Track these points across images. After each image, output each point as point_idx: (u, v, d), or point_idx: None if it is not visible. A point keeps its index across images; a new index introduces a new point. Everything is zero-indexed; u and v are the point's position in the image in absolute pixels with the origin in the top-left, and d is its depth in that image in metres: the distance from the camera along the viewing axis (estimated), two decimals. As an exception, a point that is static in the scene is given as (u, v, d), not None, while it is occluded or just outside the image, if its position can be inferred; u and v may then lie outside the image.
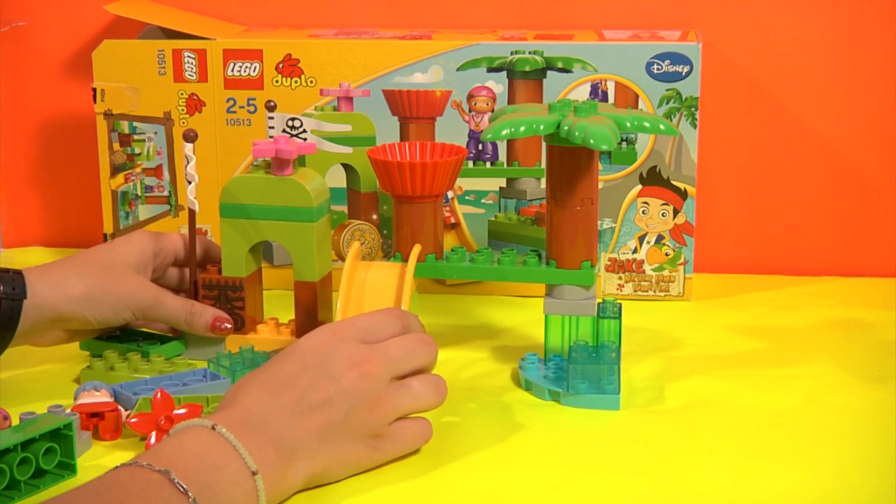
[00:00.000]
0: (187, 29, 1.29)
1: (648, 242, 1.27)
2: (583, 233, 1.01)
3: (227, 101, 1.27)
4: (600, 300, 1.04)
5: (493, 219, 1.28)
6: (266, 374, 0.84)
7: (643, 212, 1.26)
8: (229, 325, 1.07)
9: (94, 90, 1.27)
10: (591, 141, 0.95)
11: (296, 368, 0.83)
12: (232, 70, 1.26)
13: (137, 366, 1.05)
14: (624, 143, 1.24)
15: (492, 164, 1.27)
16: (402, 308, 1.00)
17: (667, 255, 1.27)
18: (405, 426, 0.87)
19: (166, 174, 1.30)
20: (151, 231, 1.11)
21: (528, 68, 1.24)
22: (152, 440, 0.90)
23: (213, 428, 0.78)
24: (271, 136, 1.13)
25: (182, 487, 0.73)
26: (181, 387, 0.99)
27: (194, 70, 1.27)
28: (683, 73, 1.22)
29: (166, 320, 1.07)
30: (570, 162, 1.00)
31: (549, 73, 1.24)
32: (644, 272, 1.27)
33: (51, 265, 1.03)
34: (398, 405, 0.86)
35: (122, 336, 1.12)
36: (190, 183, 1.07)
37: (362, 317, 0.89)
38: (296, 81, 1.26)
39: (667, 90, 1.23)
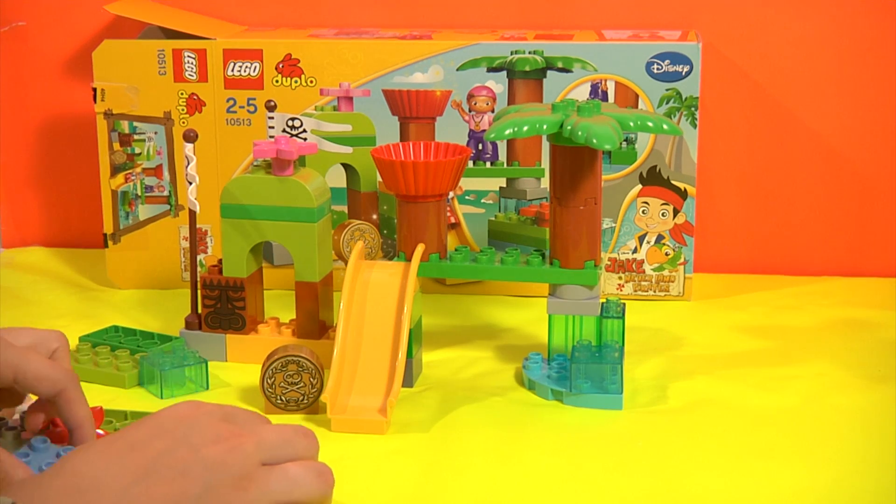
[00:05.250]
0: (187, 29, 1.29)
1: (648, 242, 1.27)
2: (586, 232, 1.02)
3: (227, 101, 1.27)
4: (604, 300, 1.05)
5: (493, 219, 1.28)
6: (110, 438, 0.69)
7: (643, 212, 1.26)
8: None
9: (94, 90, 1.27)
10: (594, 141, 0.95)
11: (149, 434, 0.69)
12: (232, 70, 1.26)
13: (99, 360, 1.07)
14: (624, 142, 1.24)
15: (492, 164, 1.27)
16: (406, 308, 1.01)
17: (667, 254, 1.27)
18: None
19: (166, 174, 1.29)
20: None
21: (528, 68, 1.24)
22: None
23: None
24: (271, 136, 1.13)
25: None
26: None
27: (194, 70, 1.26)
28: (683, 73, 1.22)
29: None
30: (573, 162, 1.00)
31: (549, 73, 1.24)
32: (644, 272, 1.27)
33: None
34: (271, 490, 0.70)
35: (122, 334, 1.13)
36: (190, 184, 1.07)
37: (227, 405, 0.75)
38: (296, 81, 1.26)
39: (667, 90, 1.23)
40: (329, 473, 0.73)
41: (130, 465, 0.67)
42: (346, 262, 1.08)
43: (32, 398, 0.94)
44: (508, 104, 1.24)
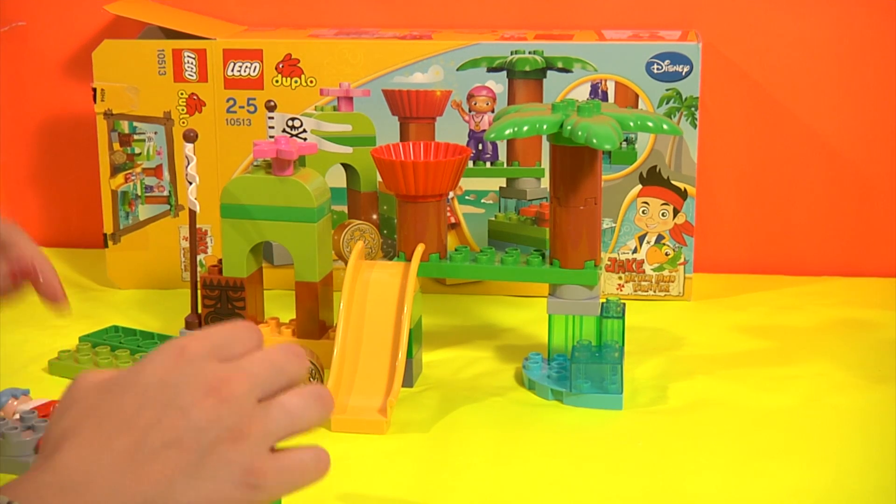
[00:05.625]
0: (187, 29, 1.29)
1: (648, 242, 1.27)
2: (586, 232, 1.02)
3: (227, 101, 1.27)
4: (604, 300, 1.05)
5: (493, 219, 1.28)
6: (99, 415, 0.66)
7: (643, 212, 1.26)
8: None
9: (94, 90, 1.27)
10: (594, 141, 0.95)
11: (135, 404, 0.65)
12: (232, 70, 1.26)
13: (100, 360, 1.07)
14: (624, 142, 1.24)
15: (492, 164, 1.27)
16: (406, 308, 1.01)
17: (667, 255, 1.27)
18: (290, 456, 0.67)
19: (166, 174, 1.29)
20: None
21: (528, 68, 1.24)
22: None
23: None
24: (271, 136, 1.13)
25: None
26: None
27: (194, 70, 1.27)
28: (683, 73, 1.22)
29: None
30: (573, 162, 1.00)
31: (549, 73, 1.24)
32: (644, 272, 1.27)
33: None
34: (272, 429, 0.67)
35: (122, 334, 1.13)
36: (191, 184, 1.07)
37: (214, 329, 0.70)
38: (296, 81, 1.26)
39: (667, 90, 1.23)
40: (329, 396, 0.69)
41: (121, 448, 0.64)
42: (346, 262, 1.08)
43: (32, 398, 0.94)
44: (508, 104, 1.24)
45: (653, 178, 1.25)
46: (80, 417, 0.66)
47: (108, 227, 1.31)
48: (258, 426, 0.66)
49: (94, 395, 0.66)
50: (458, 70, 1.25)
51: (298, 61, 1.26)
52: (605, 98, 1.23)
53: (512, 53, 1.24)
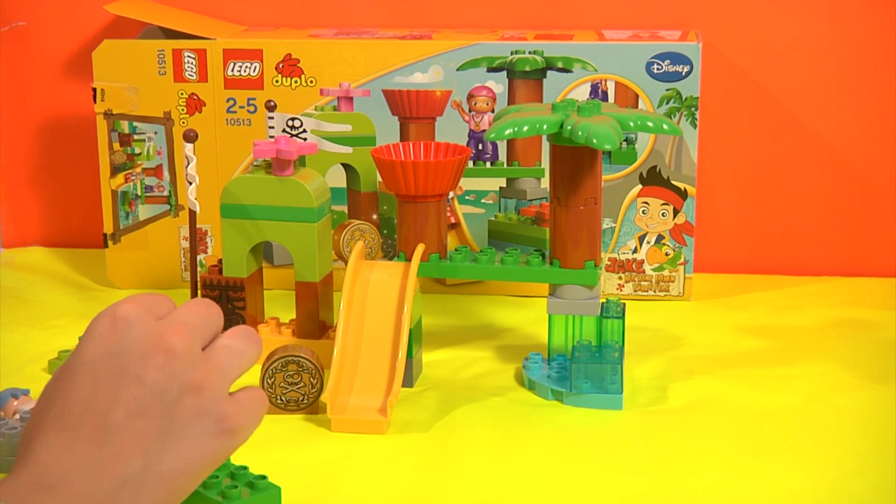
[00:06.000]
0: (187, 29, 1.29)
1: (648, 242, 1.27)
2: (586, 232, 1.02)
3: (227, 101, 1.27)
4: (604, 300, 1.05)
5: (493, 219, 1.28)
6: (59, 407, 0.65)
7: (643, 212, 1.26)
8: None
9: (94, 90, 1.27)
10: (594, 141, 0.95)
11: (88, 385, 0.65)
12: (232, 70, 1.26)
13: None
14: (624, 142, 1.24)
15: (492, 164, 1.27)
16: (406, 308, 1.01)
17: (667, 255, 1.27)
18: (245, 395, 0.69)
19: (166, 174, 1.29)
20: None
21: (528, 68, 1.24)
22: None
23: None
24: (271, 136, 1.13)
25: None
26: None
27: (194, 70, 1.27)
28: (683, 73, 1.22)
29: None
30: (573, 162, 1.00)
31: (549, 73, 1.24)
32: (644, 272, 1.27)
33: None
34: (227, 371, 0.68)
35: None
36: (191, 184, 1.07)
37: (136, 295, 0.69)
38: (296, 81, 1.26)
39: (667, 90, 1.23)
40: (256, 333, 0.71)
41: (87, 433, 0.63)
42: (346, 262, 1.08)
43: (32, 398, 0.94)
44: (508, 104, 1.24)
45: (653, 178, 1.25)
46: (40, 412, 0.65)
47: (108, 227, 1.31)
48: (213, 372, 0.66)
49: (49, 387, 0.66)
50: (458, 70, 1.25)
51: (298, 61, 1.26)
52: (605, 98, 1.23)
53: (512, 53, 1.24)
